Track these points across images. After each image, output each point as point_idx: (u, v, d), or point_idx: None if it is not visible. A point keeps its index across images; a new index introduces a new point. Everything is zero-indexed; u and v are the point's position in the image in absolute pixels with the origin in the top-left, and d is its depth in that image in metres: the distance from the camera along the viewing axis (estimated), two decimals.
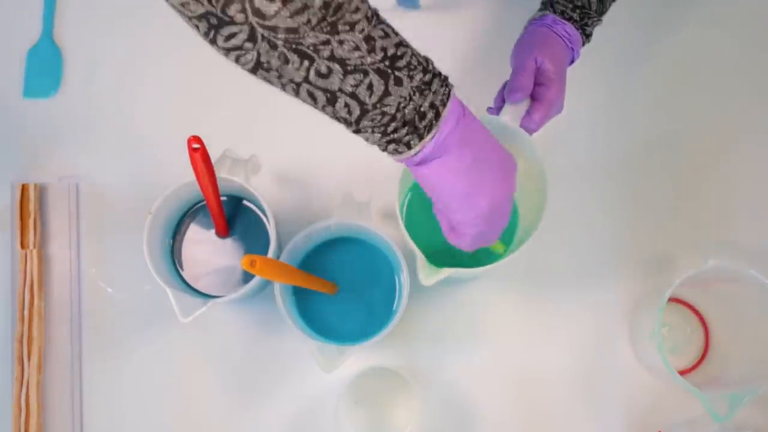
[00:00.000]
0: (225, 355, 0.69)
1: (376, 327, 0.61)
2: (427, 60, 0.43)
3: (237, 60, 0.39)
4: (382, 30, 0.40)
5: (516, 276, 0.70)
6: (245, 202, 0.69)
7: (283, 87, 0.41)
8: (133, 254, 0.63)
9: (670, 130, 0.74)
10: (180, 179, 0.63)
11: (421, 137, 0.43)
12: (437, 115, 0.43)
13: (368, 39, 0.39)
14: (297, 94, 0.41)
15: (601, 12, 0.61)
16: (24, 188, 0.72)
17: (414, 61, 0.41)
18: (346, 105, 0.41)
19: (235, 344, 0.69)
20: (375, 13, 0.40)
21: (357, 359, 0.65)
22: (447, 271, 0.56)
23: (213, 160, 0.60)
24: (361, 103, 0.41)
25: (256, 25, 0.36)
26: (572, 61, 0.61)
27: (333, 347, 0.61)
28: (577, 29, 0.60)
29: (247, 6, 0.35)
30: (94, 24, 0.79)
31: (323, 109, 0.42)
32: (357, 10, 0.38)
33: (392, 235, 0.61)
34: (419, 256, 0.57)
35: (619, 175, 0.72)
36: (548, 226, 0.58)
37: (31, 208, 0.71)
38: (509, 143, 0.60)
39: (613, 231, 0.71)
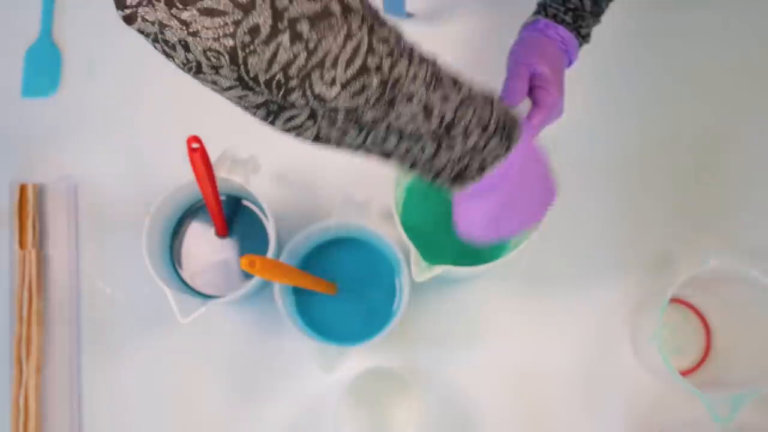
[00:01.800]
0: (224, 355, 0.69)
1: (376, 327, 0.61)
2: (491, 110, 0.42)
3: (297, 136, 0.40)
4: (442, 93, 0.40)
5: (516, 276, 0.70)
6: (245, 202, 0.69)
7: (339, 149, 0.43)
8: (133, 254, 0.63)
9: (670, 130, 0.74)
10: (179, 179, 0.63)
11: (463, 184, 0.46)
12: (482, 170, 0.44)
13: (425, 108, 0.39)
14: (353, 153, 0.43)
15: (597, 13, 0.61)
16: (23, 188, 0.72)
17: (474, 121, 0.42)
18: (400, 159, 0.43)
19: (235, 345, 0.69)
20: (436, 75, 0.40)
21: (357, 360, 0.65)
22: (440, 268, 0.57)
23: (212, 160, 0.60)
24: (413, 159, 0.43)
25: (317, 108, 0.37)
26: (570, 63, 0.61)
27: (333, 348, 0.61)
28: (571, 31, 0.60)
29: (308, 93, 0.35)
30: (93, 23, 0.79)
31: (377, 161, 0.44)
32: (415, 78, 0.38)
33: (392, 235, 0.61)
34: (413, 252, 0.57)
35: (620, 175, 0.72)
36: (549, 226, 0.57)
37: (30, 208, 0.71)
38: None
39: (613, 231, 0.71)
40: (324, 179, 0.72)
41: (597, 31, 0.62)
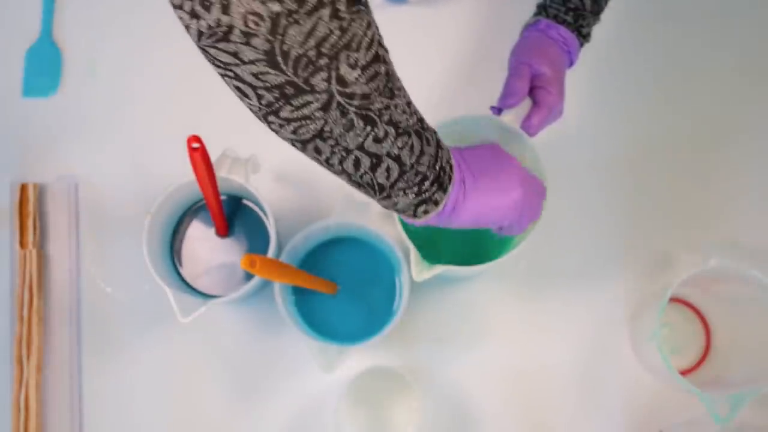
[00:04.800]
0: (224, 355, 0.69)
1: (376, 327, 0.61)
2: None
3: (295, 131, 0.39)
4: (407, 94, 0.43)
5: (516, 276, 0.70)
6: (245, 202, 0.69)
7: (330, 156, 0.42)
8: (133, 254, 0.63)
9: (669, 129, 0.74)
10: (180, 179, 0.63)
11: (445, 191, 0.46)
12: (451, 168, 0.46)
13: (408, 102, 0.42)
14: (341, 162, 0.42)
15: (597, 11, 0.61)
16: (23, 188, 0.72)
17: (426, 122, 0.45)
18: (388, 168, 0.43)
19: (235, 344, 0.69)
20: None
21: (357, 359, 0.65)
22: (440, 268, 0.57)
23: (213, 159, 0.60)
24: (402, 165, 0.43)
25: (335, 93, 0.37)
26: (571, 64, 0.61)
27: (333, 347, 0.61)
28: (572, 31, 0.60)
29: (333, 74, 0.35)
30: (93, 23, 0.79)
31: (360, 177, 0.44)
32: (397, 77, 0.40)
33: (392, 235, 0.61)
34: (413, 251, 0.57)
35: (620, 174, 0.72)
36: (548, 226, 0.57)
37: (31, 207, 0.71)
38: (510, 143, 0.60)
39: (613, 231, 0.71)
40: (324, 179, 0.72)
41: (596, 31, 0.62)
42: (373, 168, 0.43)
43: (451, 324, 0.69)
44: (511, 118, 0.59)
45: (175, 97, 0.75)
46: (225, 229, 0.68)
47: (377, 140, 0.41)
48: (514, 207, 0.51)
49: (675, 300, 0.70)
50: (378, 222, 0.64)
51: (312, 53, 0.34)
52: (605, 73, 0.75)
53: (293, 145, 0.41)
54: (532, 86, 0.58)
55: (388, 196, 0.45)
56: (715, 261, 0.60)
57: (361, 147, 0.41)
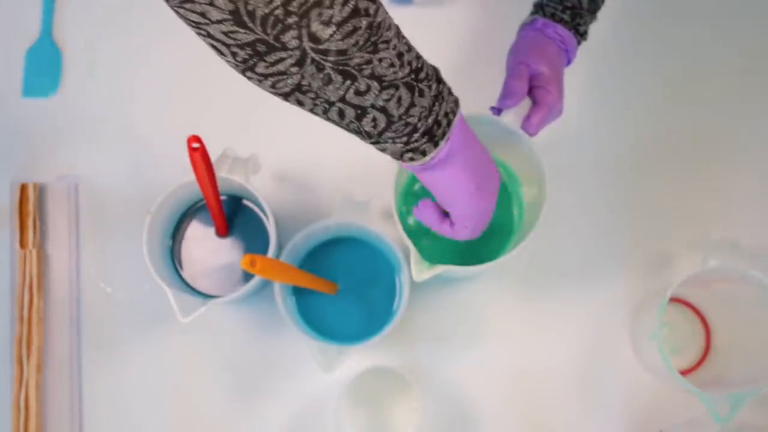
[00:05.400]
0: (224, 355, 0.69)
1: (376, 327, 0.61)
2: (435, 70, 0.45)
3: (273, 85, 0.39)
4: (406, 44, 0.42)
5: (516, 276, 0.70)
6: (245, 202, 0.69)
7: (313, 107, 0.41)
8: (133, 254, 0.63)
9: (669, 129, 0.74)
10: (180, 179, 0.63)
11: (436, 144, 0.45)
12: (449, 123, 0.45)
13: (399, 54, 0.40)
14: (325, 112, 0.42)
15: (594, 9, 0.61)
16: (23, 188, 0.72)
17: (430, 72, 0.43)
18: (374, 119, 0.42)
19: (235, 344, 0.69)
20: (398, 28, 0.41)
21: (357, 359, 0.65)
22: (440, 268, 0.57)
23: (213, 159, 0.60)
24: (389, 116, 0.42)
25: (308, 50, 0.36)
26: (569, 62, 0.61)
27: (333, 347, 0.61)
28: (569, 30, 0.60)
29: (303, 32, 0.35)
30: (93, 23, 0.79)
31: (347, 125, 0.43)
32: (389, 27, 0.39)
33: (392, 235, 0.61)
34: (413, 251, 0.57)
35: (620, 174, 0.72)
36: (548, 226, 0.58)
37: (31, 207, 0.71)
38: (510, 143, 0.60)
39: (613, 231, 0.71)
40: (324, 179, 0.73)
41: (596, 30, 0.62)
42: (359, 118, 0.42)
43: (451, 324, 0.69)
44: (511, 118, 0.59)
45: (175, 97, 0.75)
46: (225, 229, 0.68)
47: (359, 93, 0.40)
48: (475, 208, 0.50)
49: (675, 300, 0.70)
50: (378, 222, 0.64)
51: (279, 12, 0.34)
52: (605, 72, 0.75)
53: (276, 96, 0.41)
54: (531, 86, 0.58)
55: (377, 143, 0.45)
56: (715, 261, 0.60)
57: (342, 99, 0.40)
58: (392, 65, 0.40)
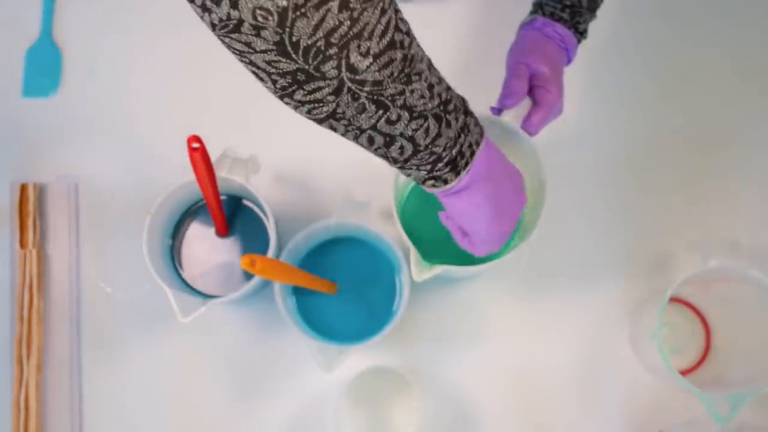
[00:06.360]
0: (224, 355, 0.69)
1: (376, 327, 0.61)
2: (463, 101, 0.46)
3: (309, 111, 0.40)
4: (437, 76, 0.43)
5: (516, 276, 0.70)
6: (245, 202, 0.69)
7: (345, 133, 0.43)
8: (133, 254, 0.63)
9: (670, 129, 0.74)
10: (180, 179, 0.63)
11: (457, 174, 0.46)
12: (472, 154, 0.46)
13: (430, 86, 0.42)
14: (356, 138, 0.43)
15: (593, 8, 0.61)
16: (23, 188, 0.72)
17: (458, 104, 0.45)
18: (401, 147, 0.43)
19: (235, 344, 0.69)
20: (430, 60, 0.43)
21: (357, 359, 0.65)
22: (440, 268, 0.57)
23: (213, 159, 0.60)
24: (416, 145, 0.43)
25: (346, 80, 0.37)
26: (569, 61, 0.61)
27: (333, 347, 0.61)
28: (569, 29, 0.60)
29: (343, 63, 0.36)
30: (93, 23, 0.79)
31: (375, 150, 0.44)
32: (422, 59, 0.41)
33: (392, 235, 0.61)
34: (413, 251, 0.57)
35: (620, 174, 0.72)
36: (549, 226, 0.58)
37: (31, 207, 0.71)
38: (510, 143, 0.60)
39: (613, 231, 0.71)
40: (324, 179, 0.73)
41: (595, 31, 0.62)
42: (387, 145, 0.43)
43: (451, 324, 0.69)
44: (511, 117, 0.59)
45: (175, 97, 0.75)
46: (225, 229, 0.68)
47: (390, 122, 0.41)
48: (492, 234, 0.52)
49: (675, 300, 0.70)
50: (378, 222, 0.64)
51: (321, 43, 0.35)
52: (605, 72, 0.75)
53: (311, 120, 0.42)
54: (531, 85, 0.58)
55: (402, 168, 0.46)
56: (715, 261, 0.60)
57: (373, 127, 0.41)
58: (423, 96, 0.41)
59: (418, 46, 0.41)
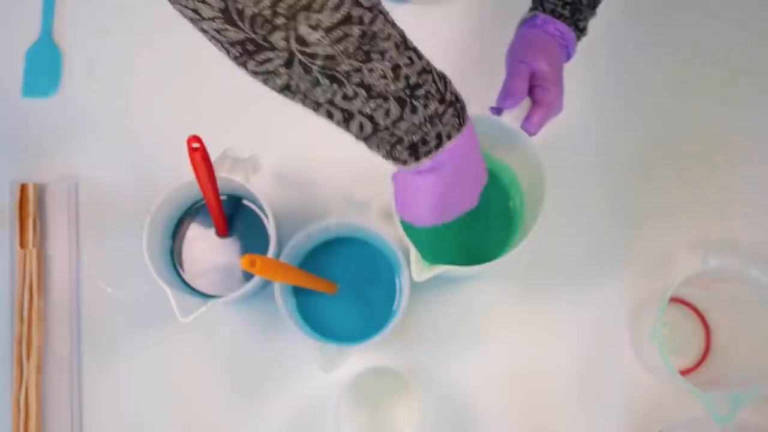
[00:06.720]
0: (225, 355, 0.69)
1: (376, 327, 0.61)
2: (446, 85, 0.44)
3: (265, 82, 0.40)
4: (409, 57, 0.41)
5: (516, 276, 0.70)
6: (245, 202, 0.69)
7: (303, 104, 0.42)
8: (133, 254, 0.63)
9: (670, 129, 0.74)
10: (180, 179, 0.63)
11: (417, 159, 0.45)
12: (439, 145, 0.45)
13: (395, 67, 0.40)
14: (315, 110, 0.42)
15: (593, 5, 0.61)
16: (23, 188, 0.72)
17: (432, 89, 0.43)
18: (361, 125, 0.42)
19: (235, 344, 0.69)
20: (404, 40, 0.41)
21: (357, 359, 0.65)
22: (440, 268, 0.56)
23: (213, 159, 0.60)
24: (375, 124, 0.42)
25: (296, 51, 0.37)
26: (568, 58, 0.61)
27: (333, 347, 0.61)
28: (569, 26, 0.59)
29: (291, 33, 0.36)
30: (93, 23, 0.79)
31: (336, 124, 0.43)
32: (388, 37, 0.39)
33: (392, 235, 0.61)
34: (413, 251, 0.57)
35: (620, 174, 0.72)
36: (549, 226, 0.58)
37: (31, 207, 0.71)
38: (510, 143, 0.60)
39: (613, 231, 0.71)
40: (324, 179, 0.73)
41: (597, 30, 0.62)
42: (346, 121, 0.42)
43: (452, 324, 0.69)
44: (511, 117, 0.59)
45: (175, 97, 0.75)
46: (225, 229, 0.68)
47: (346, 98, 0.40)
48: (426, 219, 0.52)
49: (675, 300, 0.70)
50: (378, 222, 0.64)
51: (267, 12, 0.34)
52: (605, 72, 0.75)
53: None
54: (531, 85, 0.58)
55: (364, 143, 0.45)
56: (715, 261, 0.60)
57: (330, 102, 0.41)
58: (384, 77, 0.40)
59: (387, 23, 0.39)
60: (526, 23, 0.60)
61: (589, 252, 0.70)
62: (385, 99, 0.41)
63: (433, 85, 0.43)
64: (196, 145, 0.56)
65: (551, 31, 0.59)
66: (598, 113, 0.74)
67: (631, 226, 0.71)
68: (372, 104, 0.41)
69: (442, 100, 0.44)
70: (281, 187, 0.72)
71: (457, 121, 0.45)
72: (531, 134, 0.59)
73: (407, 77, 0.41)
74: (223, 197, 0.68)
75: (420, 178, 0.47)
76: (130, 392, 0.68)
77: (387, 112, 0.41)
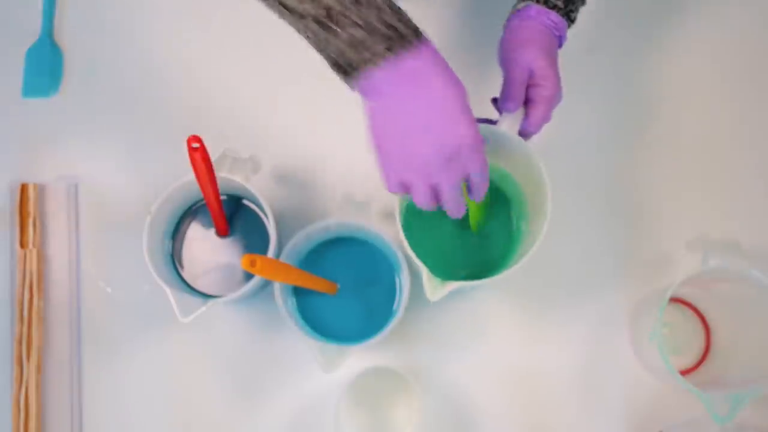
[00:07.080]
0: (225, 355, 0.69)
1: (376, 327, 0.61)
2: (379, 20, 0.46)
3: None
4: None
5: (516, 276, 0.69)
6: (245, 202, 0.69)
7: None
8: (133, 254, 0.63)
9: (669, 129, 0.74)
10: (180, 179, 0.63)
11: (348, 75, 0.47)
12: (359, 69, 0.46)
13: None
14: (280, 16, 0.48)
15: None
16: (23, 188, 0.72)
17: (354, 19, 0.45)
18: (307, 36, 0.48)
19: (235, 344, 0.69)
20: None
21: (357, 359, 0.65)
22: (453, 285, 0.56)
23: (213, 159, 0.60)
24: (309, 39, 0.48)
25: None
26: (560, 46, 0.60)
27: (333, 347, 0.61)
28: (562, 16, 0.58)
29: None
30: (94, 23, 0.79)
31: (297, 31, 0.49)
32: None
33: (392, 235, 0.61)
34: (425, 270, 0.56)
35: (620, 174, 0.72)
36: (549, 225, 0.58)
37: (31, 207, 0.71)
38: (508, 151, 0.60)
39: (613, 231, 0.71)
40: (324, 179, 0.73)
41: (595, 30, 0.62)
42: (297, 30, 0.48)
43: (452, 324, 0.69)
44: (508, 123, 0.58)
45: (175, 98, 0.75)
46: (225, 229, 0.68)
47: (281, 14, 0.47)
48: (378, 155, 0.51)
49: (675, 300, 0.70)
50: (378, 222, 0.64)
51: None
52: (604, 73, 0.75)
53: None
54: (529, 84, 0.57)
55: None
56: (715, 261, 0.60)
57: (279, 16, 0.47)
58: (302, 1, 0.45)
59: None
60: (518, 14, 0.59)
61: (589, 252, 0.70)
62: (304, 18, 0.46)
63: (360, 15, 0.45)
64: (196, 145, 0.56)
65: (545, 22, 0.57)
66: (597, 114, 0.74)
67: (631, 226, 0.71)
68: (288, 20, 0.47)
69: (367, 28, 0.45)
70: (281, 187, 0.72)
71: (383, 49, 0.46)
72: (533, 133, 0.58)
73: (327, 5, 0.45)
74: (223, 197, 0.68)
75: (366, 104, 0.49)
76: (130, 392, 0.68)
77: (313, 32, 0.46)
